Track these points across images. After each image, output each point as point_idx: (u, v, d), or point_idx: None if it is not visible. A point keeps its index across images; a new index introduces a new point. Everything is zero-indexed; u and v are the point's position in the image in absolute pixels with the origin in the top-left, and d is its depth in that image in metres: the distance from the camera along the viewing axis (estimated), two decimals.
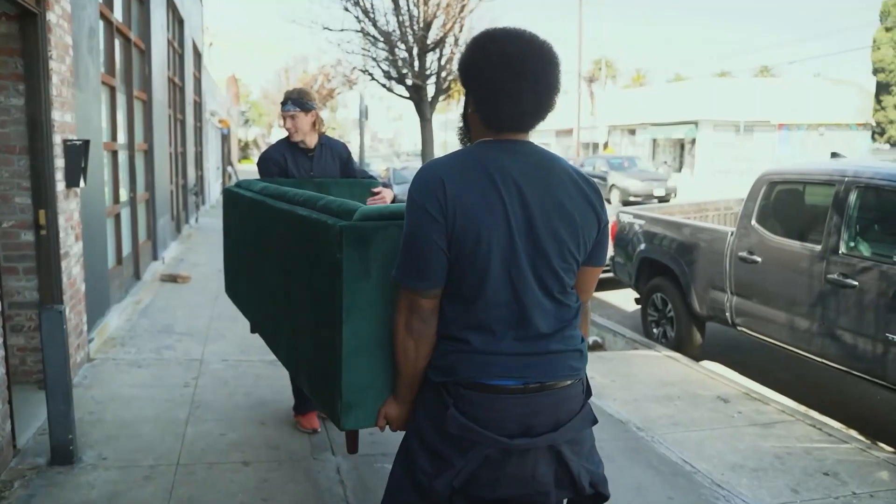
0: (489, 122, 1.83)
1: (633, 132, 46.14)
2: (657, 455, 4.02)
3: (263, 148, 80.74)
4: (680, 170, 40.37)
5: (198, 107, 16.20)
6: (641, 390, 5.14)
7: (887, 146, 40.62)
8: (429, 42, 11.37)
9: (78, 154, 4.67)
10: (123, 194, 7.50)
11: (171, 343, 5.82)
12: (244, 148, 74.57)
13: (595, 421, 1.93)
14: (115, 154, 6.96)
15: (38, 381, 4.61)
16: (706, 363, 6.15)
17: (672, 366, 5.81)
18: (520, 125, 1.83)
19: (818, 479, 3.77)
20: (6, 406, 3.47)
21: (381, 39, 11.42)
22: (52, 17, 4.38)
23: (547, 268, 1.81)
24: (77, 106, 5.02)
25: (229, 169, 26.94)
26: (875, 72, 41.78)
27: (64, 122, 4.62)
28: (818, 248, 4.81)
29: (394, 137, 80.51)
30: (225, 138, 27.36)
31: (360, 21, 11.23)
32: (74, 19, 4.99)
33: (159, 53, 9.49)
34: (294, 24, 13.57)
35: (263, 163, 4.10)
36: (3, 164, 4.42)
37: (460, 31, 11.68)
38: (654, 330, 6.76)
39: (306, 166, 4.09)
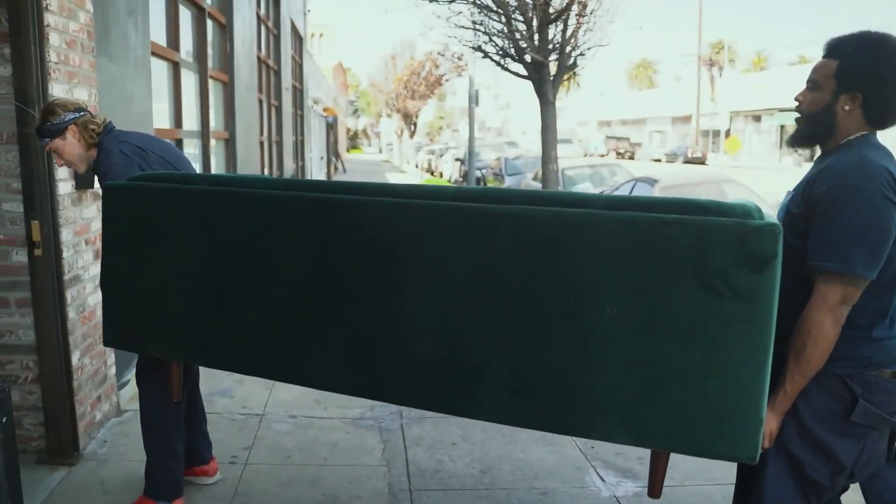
0: (881, 121, 1.98)
1: (758, 119, 42.76)
2: None
3: (373, 137, 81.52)
4: (812, 158, 36.99)
5: (298, 93, 15.22)
6: None
7: None
8: (551, 12, 9.73)
9: None
10: None
11: (229, 386, 4.55)
12: (353, 138, 75.07)
13: None
14: (178, 143, 5.79)
15: (39, 450, 3.43)
16: None
17: None
18: None
19: None
20: None
21: (496, 9, 9.86)
22: None
23: None
24: (103, 80, 3.79)
25: (335, 160, 26.19)
26: None
27: (72, 99, 3.38)
28: None
29: (502, 126, 78.84)
30: (330, 127, 26.58)
31: None
32: None
33: (244, 30, 8.35)
34: None
35: None
36: None
37: None
38: None
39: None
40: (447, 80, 37.45)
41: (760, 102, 40.66)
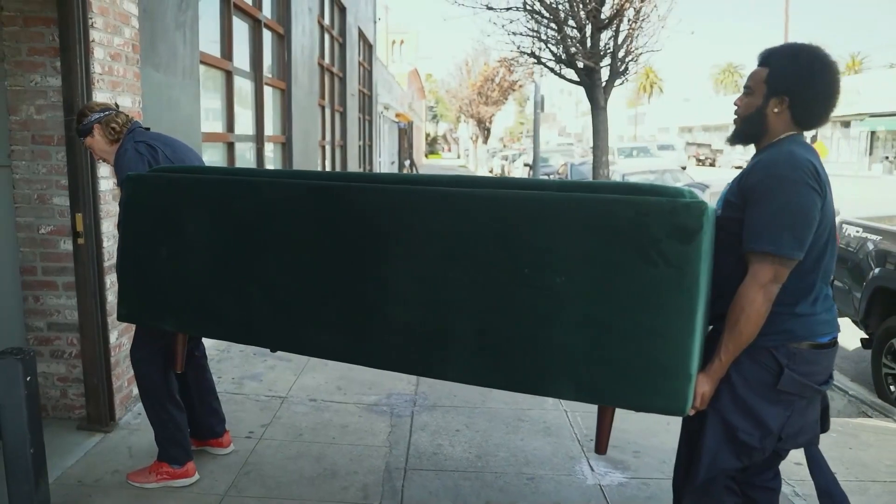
0: (806, 122, 2.22)
1: (846, 124, 41.05)
2: None
3: (452, 143, 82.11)
4: None
5: (366, 99, 15.70)
6: (881, 493, 3.46)
7: None
8: (603, 18, 9.83)
9: None
10: None
11: (261, 371, 4.91)
12: (432, 143, 75.86)
13: None
14: (230, 146, 6.23)
15: (81, 417, 3.84)
16: None
17: None
18: (824, 124, 2.31)
19: None
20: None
21: (549, 17, 10.03)
22: None
23: None
24: (149, 88, 4.21)
25: (407, 164, 26.72)
26: None
27: (100, 101, 3.77)
28: None
29: (582, 132, 78.18)
30: (403, 132, 27.14)
31: None
32: None
33: (303, 39, 8.79)
34: (456, 4, 12.47)
35: None
36: (39, 158, 3.66)
37: (641, 2, 10.02)
38: (893, 388, 4.93)
39: None
40: (521, 86, 37.60)
41: (850, 107, 39.04)
